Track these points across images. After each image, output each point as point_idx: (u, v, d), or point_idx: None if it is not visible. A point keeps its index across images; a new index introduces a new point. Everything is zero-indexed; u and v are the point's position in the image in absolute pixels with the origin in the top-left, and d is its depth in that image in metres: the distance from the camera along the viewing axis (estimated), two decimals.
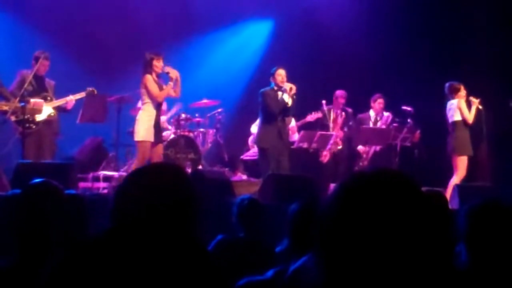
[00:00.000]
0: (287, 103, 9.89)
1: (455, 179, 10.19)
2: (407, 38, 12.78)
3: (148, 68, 9.17)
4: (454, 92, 10.39)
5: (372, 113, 11.80)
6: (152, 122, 9.09)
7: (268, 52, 14.12)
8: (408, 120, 11.28)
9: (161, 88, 9.19)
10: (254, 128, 12.19)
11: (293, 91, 9.84)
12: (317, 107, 11.70)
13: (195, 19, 13.45)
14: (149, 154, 9.07)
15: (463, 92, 10.38)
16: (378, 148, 11.49)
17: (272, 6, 14.02)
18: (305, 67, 13.44)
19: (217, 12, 13.53)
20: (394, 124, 11.44)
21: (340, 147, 11.54)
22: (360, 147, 11.62)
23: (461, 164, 10.29)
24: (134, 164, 9.33)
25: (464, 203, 8.33)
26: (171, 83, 9.20)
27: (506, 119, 11.10)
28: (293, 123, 11.99)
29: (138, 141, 9.12)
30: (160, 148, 9.36)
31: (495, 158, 11.82)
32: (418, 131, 11.29)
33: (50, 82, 9.79)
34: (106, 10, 12.53)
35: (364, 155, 11.59)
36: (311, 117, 11.48)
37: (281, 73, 10.03)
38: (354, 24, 13.26)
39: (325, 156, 11.43)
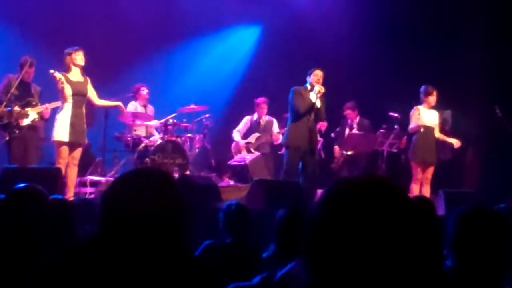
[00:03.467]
0: (314, 103, 9.58)
1: (413, 186, 10.19)
2: (395, 44, 12.82)
3: (67, 62, 9.05)
4: (424, 97, 10.38)
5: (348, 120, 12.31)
6: (68, 121, 8.92)
7: (256, 57, 14.15)
8: (395, 126, 11.32)
9: (76, 86, 8.98)
10: (236, 134, 12.24)
11: (321, 93, 9.59)
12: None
13: (183, 24, 13.45)
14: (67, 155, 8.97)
15: (430, 98, 10.32)
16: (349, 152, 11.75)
17: (260, 11, 14.04)
18: (292, 72, 13.44)
19: (205, 17, 13.54)
20: (381, 130, 11.49)
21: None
22: (336, 148, 11.89)
23: (413, 170, 10.29)
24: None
25: (451, 209, 8.37)
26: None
27: (492, 124, 11.13)
28: (276, 128, 12.07)
29: (54, 141, 9.02)
30: (76, 152, 9.10)
31: (482, 163, 11.87)
32: (405, 137, 11.32)
33: (36, 88, 9.73)
34: (94, 15, 12.50)
35: (338, 157, 11.84)
36: None
37: (317, 74, 9.76)
38: (342, 30, 13.29)
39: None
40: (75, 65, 9.04)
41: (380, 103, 11.83)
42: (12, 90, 9.24)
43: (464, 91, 12.01)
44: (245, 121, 12.26)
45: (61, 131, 8.89)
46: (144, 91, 11.57)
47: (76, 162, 9.15)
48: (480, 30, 12.47)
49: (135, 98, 11.54)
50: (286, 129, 10.14)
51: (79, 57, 9.04)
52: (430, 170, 10.27)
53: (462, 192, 10.21)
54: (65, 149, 8.92)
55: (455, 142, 10.51)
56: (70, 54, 9.04)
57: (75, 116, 8.96)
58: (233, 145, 12.33)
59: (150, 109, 11.71)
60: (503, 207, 2.97)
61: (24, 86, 9.54)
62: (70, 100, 8.96)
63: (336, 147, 12.10)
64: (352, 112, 12.37)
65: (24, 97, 9.50)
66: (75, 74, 9.08)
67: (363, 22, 13.20)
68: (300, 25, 13.70)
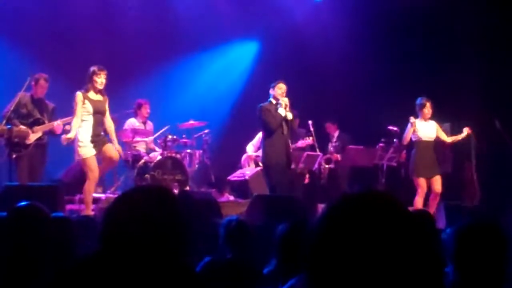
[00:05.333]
0: (284, 117, 9.75)
1: (418, 199, 10.20)
2: (393, 57, 12.85)
3: (87, 82, 9.05)
4: (418, 109, 10.45)
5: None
6: (89, 139, 8.92)
7: (254, 73, 14.17)
8: (394, 140, 11.32)
9: (96, 105, 9.00)
10: (250, 148, 12.18)
11: (287, 106, 9.76)
12: (304, 127, 11.78)
13: (182, 40, 13.49)
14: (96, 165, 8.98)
15: (424, 110, 10.38)
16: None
17: (258, 27, 14.09)
18: (290, 87, 13.46)
19: (204, 34, 13.58)
20: (380, 144, 11.49)
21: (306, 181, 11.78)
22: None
23: (418, 184, 10.28)
24: (87, 182, 9.03)
25: (451, 223, 8.37)
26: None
27: (493, 139, 11.14)
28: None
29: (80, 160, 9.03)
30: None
31: (482, 177, 11.86)
32: (405, 151, 11.32)
33: (49, 105, 9.79)
34: (94, 30, 12.52)
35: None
36: (302, 143, 11.49)
37: (281, 87, 9.93)
38: (340, 45, 13.33)
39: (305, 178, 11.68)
40: (94, 87, 9.03)
41: (379, 117, 11.84)
42: (13, 107, 9.27)
43: (463, 104, 12.01)
44: (260, 135, 12.18)
45: (85, 148, 8.90)
46: (147, 109, 11.58)
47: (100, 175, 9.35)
48: (479, 43, 12.50)
49: (135, 114, 11.55)
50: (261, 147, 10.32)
51: (99, 81, 9.01)
52: (437, 182, 10.27)
53: (463, 206, 10.21)
54: (94, 162, 8.94)
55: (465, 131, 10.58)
56: (92, 74, 9.02)
57: (95, 134, 8.99)
58: (243, 157, 12.29)
59: (149, 125, 11.72)
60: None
61: (36, 103, 9.61)
62: (90, 118, 8.99)
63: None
64: (332, 126, 12.61)
65: (33, 114, 9.54)
66: (95, 93, 9.11)
67: (360, 36, 13.24)
68: (297, 40, 13.75)
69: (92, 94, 9.04)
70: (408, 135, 10.38)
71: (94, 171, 8.93)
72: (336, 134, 12.73)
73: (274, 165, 9.77)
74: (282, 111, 9.75)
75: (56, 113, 9.82)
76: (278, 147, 9.78)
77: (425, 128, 10.36)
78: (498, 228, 2.82)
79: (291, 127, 9.98)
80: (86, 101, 8.97)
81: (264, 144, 10.06)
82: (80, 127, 8.95)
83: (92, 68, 9.08)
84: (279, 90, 9.89)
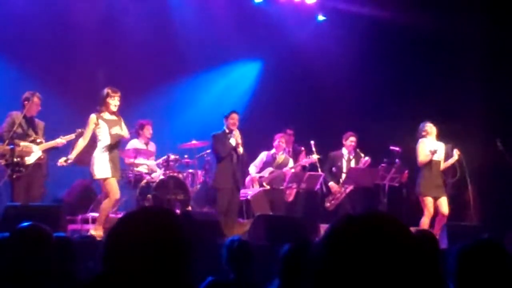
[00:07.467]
0: (235, 147, 10.36)
1: (424, 219, 10.20)
2: (396, 77, 12.88)
3: (101, 104, 9.11)
4: (423, 132, 10.53)
5: (344, 151, 11.80)
6: (107, 158, 9.04)
7: (257, 92, 14.19)
8: (396, 160, 11.30)
9: (111, 124, 9.09)
10: (252, 168, 12.15)
11: (239, 140, 10.36)
12: (306, 147, 11.78)
13: (185, 60, 13.52)
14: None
15: (431, 132, 10.47)
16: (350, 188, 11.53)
17: (261, 47, 14.14)
18: (293, 106, 13.52)
19: (207, 53, 13.62)
20: (382, 164, 11.45)
21: (291, 199, 11.79)
22: (332, 185, 11.60)
23: (425, 204, 10.28)
24: (107, 200, 9.13)
25: (453, 243, 8.34)
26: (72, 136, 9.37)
27: (494, 158, 11.14)
28: (291, 163, 11.94)
29: (98, 179, 9.15)
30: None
31: (483, 197, 11.85)
32: (406, 171, 11.30)
33: (39, 123, 9.68)
34: (96, 50, 12.55)
35: (338, 195, 11.56)
36: (306, 161, 11.53)
37: (234, 117, 10.54)
38: (342, 64, 13.37)
39: (289, 195, 11.67)
40: (108, 109, 9.10)
41: (381, 137, 11.83)
42: (15, 128, 9.22)
43: (465, 124, 12.02)
44: (262, 156, 12.16)
45: (102, 167, 8.99)
46: (149, 130, 11.60)
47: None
48: (481, 64, 12.53)
49: (138, 134, 11.54)
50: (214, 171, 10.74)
51: (112, 103, 9.10)
52: (443, 203, 10.30)
53: (464, 226, 10.19)
54: (114, 183, 9.04)
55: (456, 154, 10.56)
56: (106, 96, 9.09)
57: (112, 153, 9.10)
58: (247, 179, 12.26)
59: (152, 146, 11.72)
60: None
61: (28, 122, 9.51)
62: (107, 138, 9.05)
63: (332, 184, 11.67)
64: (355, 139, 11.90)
65: (29, 134, 9.46)
66: (109, 114, 9.18)
67: (363, 56, 13.28)
68: (300, 60, 13.79)
69: (106, 115, 9.12)
70: (426, 158, 10.39)
71: (115, 193, 9.04)
72: (354, 153, 11.86)
73: (222, 189, 10.35)
74: (233, 141, 10.39)
75: (46, 131, 9.76)
76: (226, 173, 10.39)
77: (433, 147, 10.41)
78: (500, 248, 2.82)
79: (241, 157, 10.58)
80: (100, 121, 9.06)
81: (216, 169, 10.57)
82: (97, 148, 9.08)
83: (106, 90, 9.14)
84: (232, 120, 10.53)
